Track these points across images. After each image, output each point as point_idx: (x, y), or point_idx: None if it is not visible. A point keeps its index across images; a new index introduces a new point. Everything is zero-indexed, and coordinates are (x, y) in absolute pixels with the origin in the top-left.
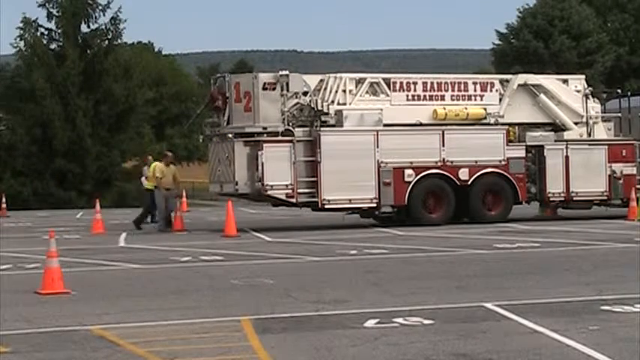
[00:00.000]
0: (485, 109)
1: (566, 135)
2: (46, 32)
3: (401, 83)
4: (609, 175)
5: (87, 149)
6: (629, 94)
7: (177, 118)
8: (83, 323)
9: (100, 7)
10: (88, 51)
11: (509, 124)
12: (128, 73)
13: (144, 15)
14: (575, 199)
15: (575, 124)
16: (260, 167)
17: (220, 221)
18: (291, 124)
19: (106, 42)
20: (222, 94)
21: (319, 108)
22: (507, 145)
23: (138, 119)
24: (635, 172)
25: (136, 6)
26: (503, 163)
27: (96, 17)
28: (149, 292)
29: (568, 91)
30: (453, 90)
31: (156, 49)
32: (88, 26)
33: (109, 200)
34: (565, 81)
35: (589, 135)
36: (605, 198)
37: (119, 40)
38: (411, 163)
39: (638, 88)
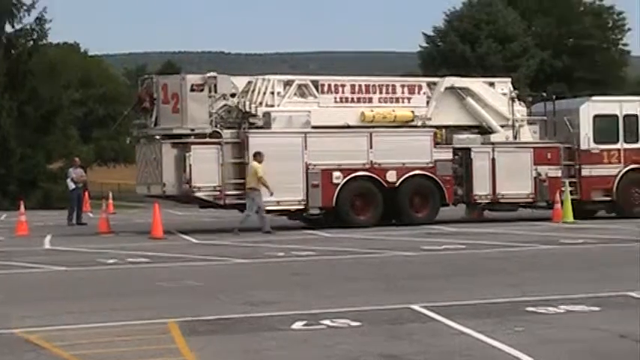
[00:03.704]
0: (412, 112)
1: (493, 138)
2: None
3: (329, 85)
4: (535, 178)
5: (11, 150)
6: (554, 97)
7: (104, 119)
8: (6, 326)
9: (25, 7)
10: (13, 51)
11: (437, 127)
12: (54, 74)
13: (70, 15)
14: (501, 201)
15: (502, 126)
16: (188, 169)
17: (147, 223)
18: (219, 125)
19: (31, 42)
20: (150, 96)
21: (247, 110)
22: (435, 147)
23: (64, 120)
24: (559, 174)
25: (62, 6)
26: (430, 165)
27: (21, 17)
28: (74, 294)
29: (494, 94)
30: (380, 92)
31: (82, 50)
32: (13, 26)
33: (34, 202)
34: (491, 84)
35: (515, 138)
36: (531, 200)
37: (45, 41)
38: (339, 165)
39: (562, 92)
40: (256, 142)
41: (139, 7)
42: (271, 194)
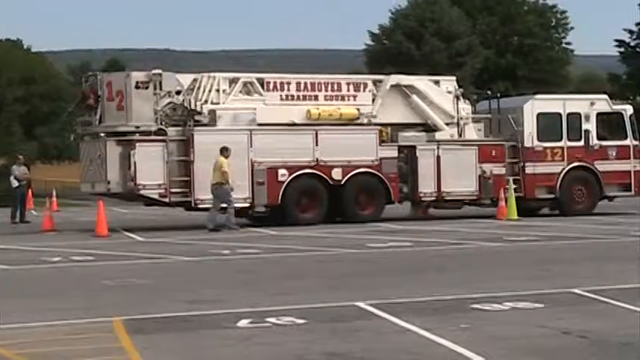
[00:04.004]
0: (358, 110)
1: (438, 135)
2: None
3: (275, 83)
4: (479, 175)
5: None
6: (498, 95)
7: (48, 116)
8: None
9: None
10: None
11: (382, 125)
12: None
13: (13, 12)
14: (446, 198)
15: (447, 124)
16: (132, 166)
17: (92, 221)
18: (164, 123)
19: None
20: (94, 93)
21: (192, 107)
22: (380, 145)
23: (7, 117)
24: (504, 172)
25: (4, 2)
26: (375, 163)
27: None
28: (18, 293)
29: (439, 92)
30: (326, 90)
31: (25, 47)
32: None
33: None
34: (437, 82)
35: (460, 135)
36: (476, 198)
37: None
38: (285, 162)
39: (506, 90)
40: (201, 139)
41: (83, 4)
42: (231, 189)
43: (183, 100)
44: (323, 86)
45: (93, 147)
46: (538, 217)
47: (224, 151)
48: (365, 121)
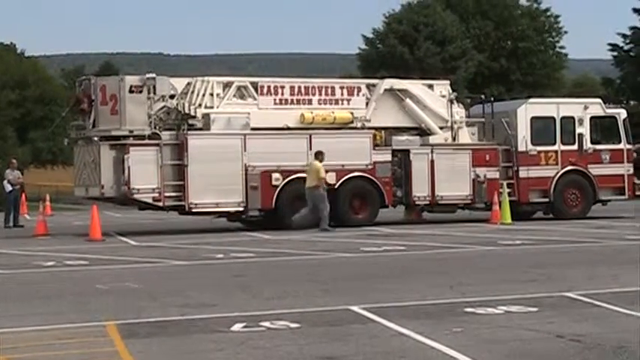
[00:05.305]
0: (352, 114)
1: (432, 139)
2: None
3: (268, 87)
4: (473, 179)
5: None
6: (492, 99)
7: (42, 120)
8: None
9: None
10: None
11: (376, 129)
12: None
13: (6, 16)
14: (440, 202)
15: (441, 128)
16: (126, 171)
17: (85, 225)
18: (158, 127)
19: None
20: (88, 97)
21: (186, 111)
22: (374, 149)
23: (0, 122)
24: (498, 176)
25: None
26: (369, 167)
27: None
28: (11, 297)
29: (433, 96)
30: (320, 94)
31: (19, 51)
32: None
33: None
34: (430, 86)
35: (454, 139)
36: (469, 202)
37: None
38: (279, 166)
39: (500, 94)
40: (195, 143)
41: (77, 8)
42: (324, 188)
43: (177, 104)
44: (317, 90)
45: (87, 151)
46: (532, 221)
47: (319, 155)
48: (359, 125)
